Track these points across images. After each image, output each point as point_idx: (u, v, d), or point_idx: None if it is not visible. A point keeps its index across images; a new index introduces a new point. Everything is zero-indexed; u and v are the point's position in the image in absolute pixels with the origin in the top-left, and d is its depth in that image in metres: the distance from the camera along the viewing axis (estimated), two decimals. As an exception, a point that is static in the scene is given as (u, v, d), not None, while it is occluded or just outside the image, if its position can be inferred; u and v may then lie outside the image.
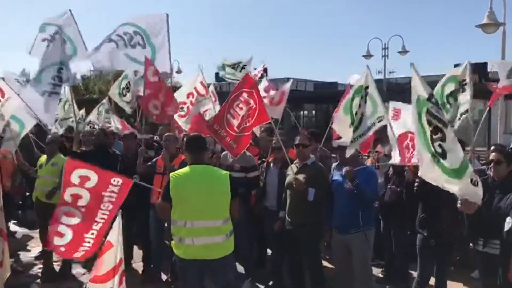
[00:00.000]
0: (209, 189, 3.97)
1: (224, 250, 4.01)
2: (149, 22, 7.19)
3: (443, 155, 3.59)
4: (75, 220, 3.96)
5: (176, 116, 7.88)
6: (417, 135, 3.83)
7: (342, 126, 5.57)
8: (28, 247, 7.49)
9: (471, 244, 4.82)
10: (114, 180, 4.13)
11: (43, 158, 6.68)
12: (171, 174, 4.08)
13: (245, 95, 5.42)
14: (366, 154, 6.89)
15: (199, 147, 4.15)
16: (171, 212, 3.96)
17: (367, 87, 5.31)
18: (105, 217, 3.93)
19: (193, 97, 8.00)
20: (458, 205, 3.75)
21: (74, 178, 4.09)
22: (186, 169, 4.07)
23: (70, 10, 7.63)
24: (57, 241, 3.92)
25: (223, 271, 4.05)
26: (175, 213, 3.95)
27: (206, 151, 4.41)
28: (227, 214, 4.00)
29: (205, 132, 5.75)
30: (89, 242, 3.83)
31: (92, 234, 3.86)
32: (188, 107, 7.88)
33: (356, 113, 5.32)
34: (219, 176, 4.07)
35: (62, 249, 3.92)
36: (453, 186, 3.61)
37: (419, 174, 3.94)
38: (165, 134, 6.33)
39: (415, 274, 5.89)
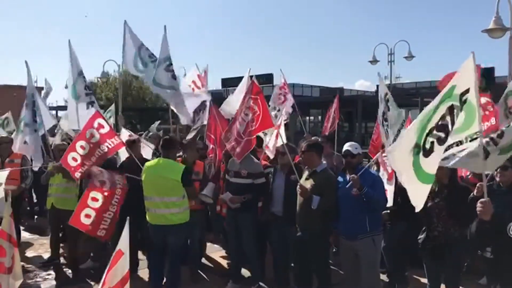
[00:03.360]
0: (163, 175, 5.40)
1: (178, 219, 5.40)
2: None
3: (427, 153, 3.39)
4: (98, 204, 5.65)
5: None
6: (420, 117, 3.53)
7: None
8: (37, 253, 7.53)
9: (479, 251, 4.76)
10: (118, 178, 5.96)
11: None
12: (146, 163, 5.74)
13: (250, 101, 5.54)
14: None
15: (168, 147, 5.60)
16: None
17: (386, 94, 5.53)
18: (117, 201, 5.77)
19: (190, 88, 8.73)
20: (478, 209, 3.56)
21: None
22: (154, 161, 5.76)
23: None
24: (84, 221, 5.60)
25: (177, 235, 5.49)
26: (145, 191, 5.50)
27: (173, 150, 5.69)
28: (180, 194, 5.38)
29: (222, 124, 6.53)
30: (106, 221, 5.66)
31: (109, 214, 5.68)
32: None
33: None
34: (174, 168, 5.46)
35: (90, 227, 5.62)
36: (409, 183, 3.52)
37: (385, 149, 3.78)
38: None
39: (418, 278, 5.93)
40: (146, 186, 5.49)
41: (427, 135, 3.40)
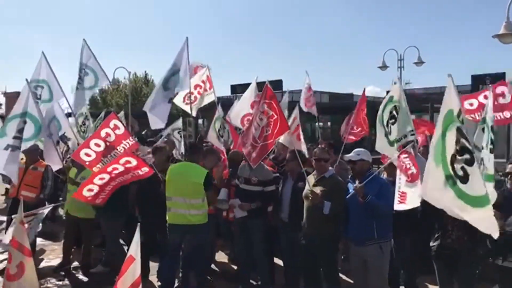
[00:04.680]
0: (186, 178, 5.65)
1: (197, 220, 5.62)
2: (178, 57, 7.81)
3: (464, 179, 3.30)
4: (102, 182, 5.72)
5: (182, 104, 8.71)
6: (433, 151, 3.53)
7: (383, 145, 5.68)
8: (48, 259, 7.57)
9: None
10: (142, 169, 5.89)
11: (73, 172, 6.80)
12: (171, 166, 6.04)
13: (264, 105, 5.56)
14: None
15: (193, 151, 6.00)
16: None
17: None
18: (121, 180, 5.84)
19: (200, 89, 8.90)
20: None
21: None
22: (179, 163, 6.08)
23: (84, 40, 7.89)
24: (86, 194, 5.72)
25: (197, 235, 5.66)
26: (167, 192, 5.73)
27: (198, 154, 5.95)
28: (200, 197, 5.60)
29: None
30: (105, 192, 5.80)
31: (109, 187, 5.81)
32: (195, 97, 8.69)
33: (387, 123, 5.56)
34: (197, 171, 5.68)
35: (89, 198, 5.75)
36: (465, 214, 3.34)
37: (418, 194, 3.73)
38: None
39: (428, 284, 5.87)
40: (169, 186, 5.71)
41: (453, 163, 3.34)
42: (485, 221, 3.26)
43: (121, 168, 5.76)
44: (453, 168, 3.36)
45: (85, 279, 6.68)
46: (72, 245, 7.20)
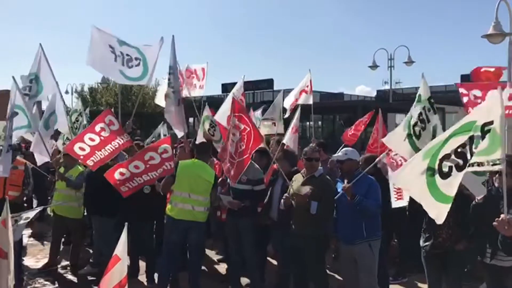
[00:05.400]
0: (198, 175, 5.73)
1: (201, 217, 5.71)
2: (153, 51, 7.28)
3: (445, 176, 3.41)
4: (138, 170, 5.73)
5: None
6: (426, 149, 3.57)
7: (396, 141, 5.25)
8: (35, 259, 7.49)
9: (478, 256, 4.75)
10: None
11: (60, 170, 6.75)
12: (181, 161, 6.08)
13: (235, 120, 5.51)
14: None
15: (202, 150, 6.05)
16: (172, 186, 5.75)
17: (430, 98, 5.16)
18: (153, 175, 5.79)
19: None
20: (494, 223, 3.49)
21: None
22: (190, 160, 6.05)
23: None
24: (117, 176, 5.73)
25: (198, 232, 5.69)
26: (176, 186, 5.70)
27: (207, 153, 6.09)
28: (207, 195, 5.73)
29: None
30: (134, 183, 5.76)
31: (140, 180, 5.77)
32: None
33: (415, 124, 5.09)
34: (207, 170, 5.85)
35: (117, 182, 5.73)
36: (423, 200, 3.50)
37: (390, 173, 3.76)
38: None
39: (417, 282, 5.89)
40: (179, 182, 5.72)
41: (442, 160, 3.43)
42: (437, 211, 3.46)
43: (157, 159, 5.78)
44: (440, 164, 3.44)
45: (73, 279, 6.63)
46: (59, 246, 7.14)
